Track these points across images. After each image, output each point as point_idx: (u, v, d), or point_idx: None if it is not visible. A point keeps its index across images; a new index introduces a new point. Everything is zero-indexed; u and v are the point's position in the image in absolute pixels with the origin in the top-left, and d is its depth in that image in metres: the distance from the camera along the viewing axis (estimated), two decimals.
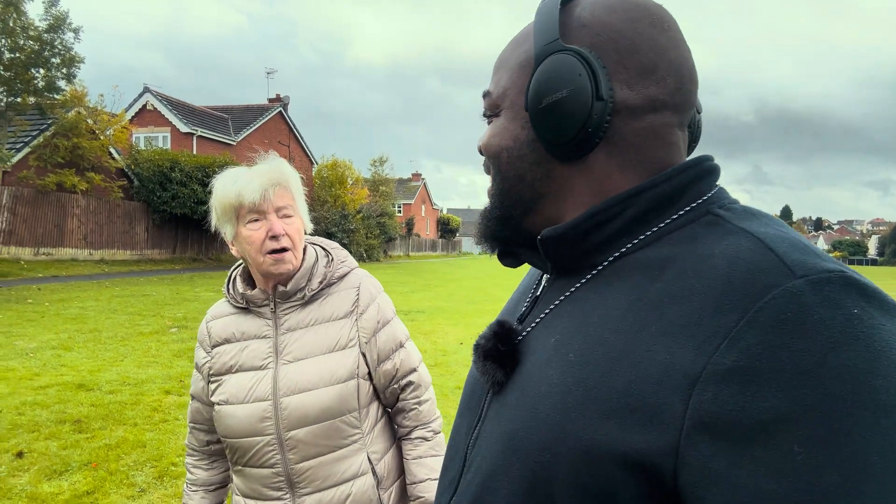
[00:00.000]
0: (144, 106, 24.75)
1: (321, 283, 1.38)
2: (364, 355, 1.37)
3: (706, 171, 0.59)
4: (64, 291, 11.34)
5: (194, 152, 22.63)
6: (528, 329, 0.64)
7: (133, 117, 23.86)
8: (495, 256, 0.70)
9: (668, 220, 0.57)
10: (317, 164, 33.19)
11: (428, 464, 1.41)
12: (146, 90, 24.92)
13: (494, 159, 0.65)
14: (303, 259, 1.38)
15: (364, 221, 31.36)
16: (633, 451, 0.47)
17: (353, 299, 1.39)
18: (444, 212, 71.04)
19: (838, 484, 0.40)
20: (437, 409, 1.50)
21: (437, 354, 7.32)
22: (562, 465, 0.51)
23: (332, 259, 1.44)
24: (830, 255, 0.52)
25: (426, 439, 1.45)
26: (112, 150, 17.87)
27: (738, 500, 0.42)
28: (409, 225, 47.54)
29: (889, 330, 0.43)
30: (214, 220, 1.36)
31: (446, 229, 60.25)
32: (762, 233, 0.51)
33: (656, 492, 0.47)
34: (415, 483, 1.41)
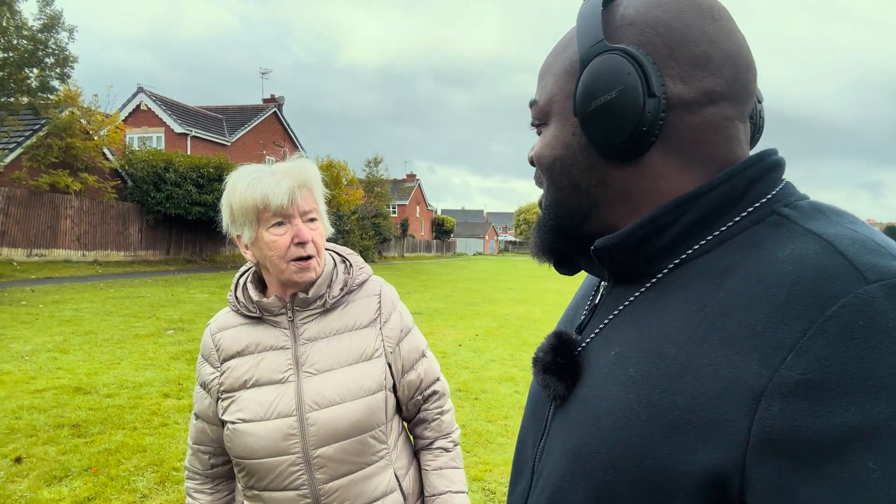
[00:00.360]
0: (138, 106, 24.62)
1: (342, 290, 1.32)
2: (389, 366, 1.32)
3: (770, 166, 0.56)
4: (58, 293, 11.24)
5: (188, 153, 22.50)
6: (588, 340, 0.63)
7: (127, 117, 23.75)
8: (550, 266, 0.69)
9: (730, 223, 0.54)
10: None
11: (448, 475, 1.37)
12: (140, 90, 24.78)
13: (548, 170, 0.63)
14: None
15: (359, 222, 31.28)
16: (698, 469, 0.46)
17: (375, 307, 1.34)
18: (439, 213, 71.06)
19: None
20: (455, 421, 1.47)
21: (437, 357, 7.19)
22: (627, 484, 0.51)
23: (351, 265, 1.38)
24: None
25: (447, 450, 1.41)
26: (106, 151, 17.74)
27: None
28: (404, 226, 47.46)
29: None
30: (227, 220, 1.26)
31: (441, 230, 60.20)
32: (830, 234, 0.48)
33: None
34: (434, 495, 1.36)
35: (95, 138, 16.81)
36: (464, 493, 1.36)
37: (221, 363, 1.29)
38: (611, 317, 0.61)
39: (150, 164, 18.66)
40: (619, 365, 0.56)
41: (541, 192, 0.68)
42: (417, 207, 57.08)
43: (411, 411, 1.41)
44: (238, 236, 1.27)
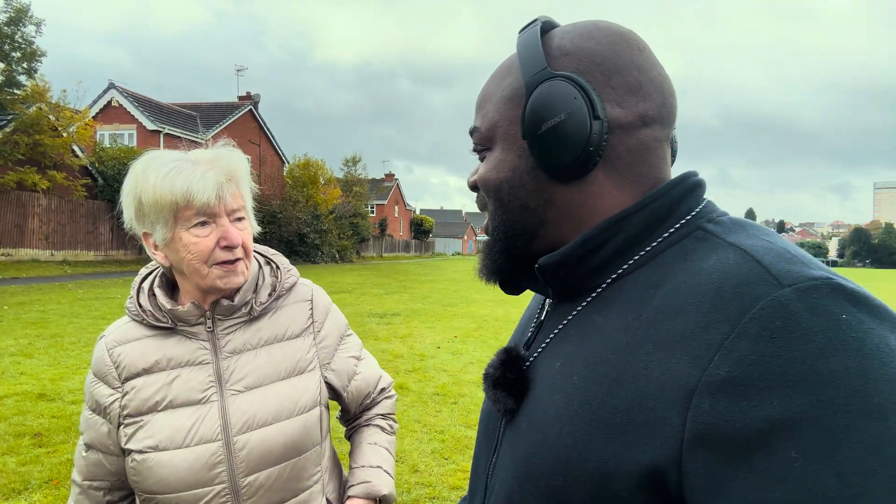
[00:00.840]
0: (109, 102, 24.07)
1: (270, 295, 1.18)
2: (326, 378, 1.21)
3: (692, 186, 0.61)
4: (24, 294, 10.91)
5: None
6: (535, 355, 0.65)
7: (98, 114, 23.19)
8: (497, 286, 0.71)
9: (659, 239, 0.59)
10: (288, 163, 32.76)
11: (382, 453, 1.27)
12: (111, 86, 24.25)
13: (494, 193, 0.66)
14: None
15: (337, 222, 31.07)
16: (639, 467, 0.48)
17: (307, 314, 1.21)
18: (418, 212, 70.92)
19: (837, 488, 0.40)
20: (398, 415, 1.43)
21: (415, 359, 7.19)
22: (574, 487, 0.53)
23: (278, 267, 1.23)
24: (820, 262, 0.52)
25: (384, 430, 1.32)
26: (75, 148, 17.32)
27: None
28: (383, 226, 47.28)
29: (879, 334, 0.44)
30: (132, 215, 1.08)
31: (420, 230, 60.11)
32: (749, 245, 0.52)
33: None
34: (363, 466, 1.23)
35: (64, 135, 16.40)
36: (392, 477, 1.26)
37: (123, 383, 1.11)
38: (556, 331, 0.64)
39: (121, 162, 18.26)
40: (563, 375, 0.58)
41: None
42: (396, 207, 56.91)
43: (357, 412, 1.33)
44: (146, 234, 1.10)
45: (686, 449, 0.46)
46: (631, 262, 0.59)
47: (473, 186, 0.70)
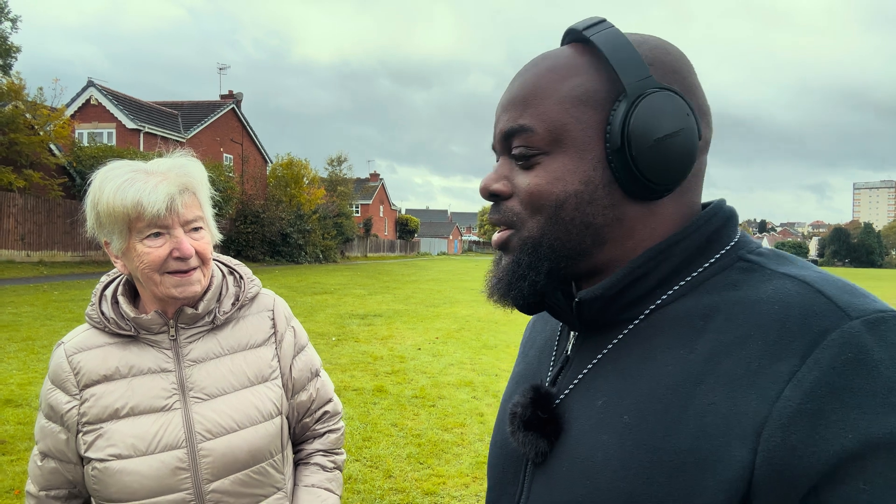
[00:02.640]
0: (88, 100, 23.70)
1: (233, 304, 1.19)
2: (283, 387, 1.21)
3: (728, 216, 0.60)
4: None
5: (141, 149, 21.78)
6: (566, 392, 0.61)
7: (76, 112, 22.83)
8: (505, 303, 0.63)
9: (700, 269, 0.57)
10: (271, 162, 32.50)
11: (320, 495, 1.24)
12: (90, 84, 23.87)
13: (554, 207, 0.58)
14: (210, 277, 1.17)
15: (321, 222, 30.87)
16: None
17: (269, 324, 1.23)
18: (403, 212, 70.81)
19: None
20: (343, 447, 1.37)
21: (395, 361, 7.14)
22: None
23: (241, 277, 1.24)
24: (872, 293, 0.52)
25: (325, 468, 1.29)
26: (52, 147, 17.02)
27: None
28: (367, 225, 47.09)
29: None
30: (93, 224, 1.10)
31: (405, 230, 59.98)
32: (805, 275, 0.52)
33: None
34: None
35: (41, 133, 16.11)
36: None
37: (82, 390, 1.10)
38: (590, 366, 0.60)
39: (99, 161, 17.79)
40: (608, 414, 0.55)
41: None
42: (381, 207, 56.73)
43: (298, 435, 1.30)
44: (106, 242, 1.11)
45: (756, 485, 0.45)
46: (671, 292, 0.56)
47: (495, 195, 0.61)
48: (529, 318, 0.85)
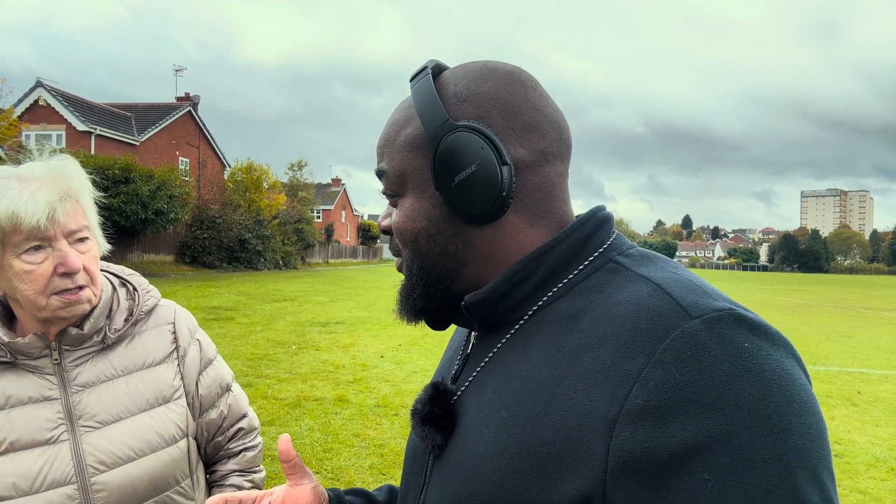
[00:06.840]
0: (36, 101, 22.84)
1: (127, 320, 1.09)
2: (189, 406, 1.13)
3: (603, 219, 0.65)
4: None
5: (92, 153, 21.06)
6: (462, 389, 0.65)
7: (23, 114, 21.91)
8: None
9: (575, 272, 0.61)
10: (229, 167, 31.88)
11: None
12: (39, 84, 23.01)
13: (412, 242, 0.66)
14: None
15: (280, 227, 30.35)
16: (566, 498, 0.50)
17: (170, 338, 1.13)
18: (366, 218, 70.29)
19: None
20: (261, 462, 1.30)
21: (357, 370, 7.03)
22: None
23: (135, 289, 1.14)
24: (720, 291, 0.56)
25: (241, 489, 1.21)
26: None
27: None
28: (329, 231, 46.58)
29: (776, 359, 0.48)
30: None
31: (367, 236, 59.52)
32: (658, 277, 0.56)
33: None
34: None
35: None
36: None
37: None
38: (482, 364, 0.65)
39: None
40: (492, 409, 0.59)
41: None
42: (343, 212, 56.22)
43: (211, 455, 1.21)
44: None
45: (610, 477, 0.48)
46: (550, 294, 0.61)
47: (387, 230, 0.69)
48: None
